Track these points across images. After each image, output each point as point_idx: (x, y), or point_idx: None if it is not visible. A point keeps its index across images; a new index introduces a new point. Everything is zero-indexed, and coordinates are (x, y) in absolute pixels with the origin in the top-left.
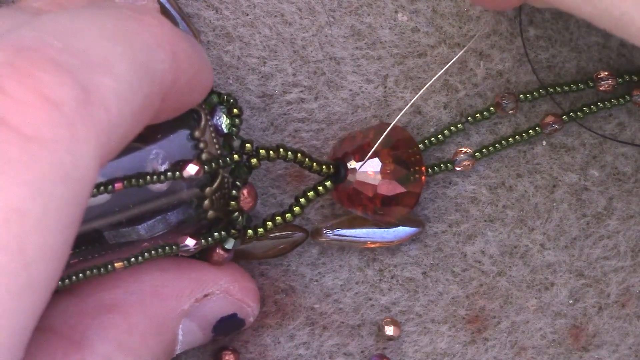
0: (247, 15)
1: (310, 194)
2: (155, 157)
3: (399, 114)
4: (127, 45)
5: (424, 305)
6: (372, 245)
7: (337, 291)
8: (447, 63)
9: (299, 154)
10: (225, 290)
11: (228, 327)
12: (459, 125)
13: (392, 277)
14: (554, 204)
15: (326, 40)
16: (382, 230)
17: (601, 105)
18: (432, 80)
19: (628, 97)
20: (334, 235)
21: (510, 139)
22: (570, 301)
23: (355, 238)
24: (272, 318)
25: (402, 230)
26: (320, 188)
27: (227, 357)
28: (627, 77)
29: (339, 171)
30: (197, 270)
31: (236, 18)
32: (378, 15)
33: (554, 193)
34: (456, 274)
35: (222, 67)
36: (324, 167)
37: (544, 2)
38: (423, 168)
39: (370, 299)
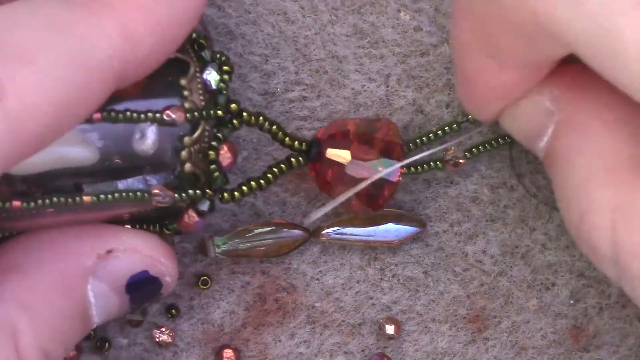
0: (250, 13)
1: (283, 164)
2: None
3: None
4: (57, 36)
5: (425, 304)
6: (373, 244)
7: (338, 290)
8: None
9: (275, 126)
10: (130, 247)
11: (143, 287)
12: (454, 126)
13: (393, 276)
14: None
15: (329, 39)
16: (383, 229)
17: None
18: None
19: None
20: (335, 234)
21: (499, 139)
22: (571, 301)
23: (356, 237)
24: (273, 316)
25: (404, 230)
26: (292, 160)
27: (227, 355)
28: None
29: (310, 149)
30: (98, 229)
31: (239, 16)
32: (381, 14)
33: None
34: (457, 274)
35: None
36: (296, 142)
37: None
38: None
39: (371, 298)
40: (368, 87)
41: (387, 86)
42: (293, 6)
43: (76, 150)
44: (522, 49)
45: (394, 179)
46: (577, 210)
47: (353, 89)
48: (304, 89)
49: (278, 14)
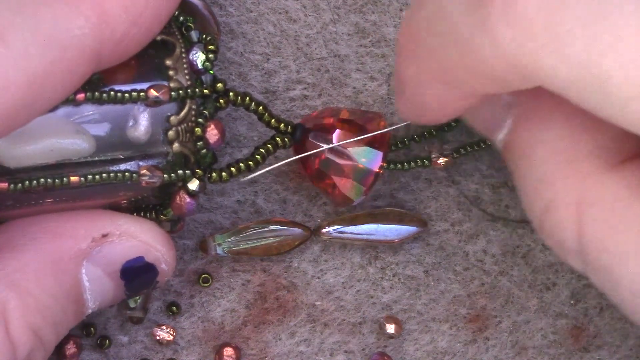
0: (252, 12)
1: (270, 145)
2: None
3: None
4: (28, 16)
5: (426, 303)
6: (374, 243)
7: (339, 288)
8: None
9: (261, 107)
10: (125, 232)
11: (138, 274)
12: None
13: (393, 275)
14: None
15: (330, 38)
16: (385, 228)
17: None
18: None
19: None
20: (336, 232)
21: (488, 141)
22: (572, 301)
23: (357, 236)
24: (274, 315)
25: (405, 229)
26: (278, 139)
27: (228, 353)
28: None
29: (295, 132)
30: (94, 213)
31: (240, 15)
32: (383, 12)
33: None
34: (458, 273)
35: (225, 63)
36: (282, 125)
37: (510, 81)
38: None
39: (372, 297)
40: (369, 86)
41: (389, 85)
42: (295, 5)
43: (72, 142)
44: (488, 86)
45: (376, 169)
46: (539, 204)
47: (354, 87)
48: (305, 88)
49: (280, 12)
